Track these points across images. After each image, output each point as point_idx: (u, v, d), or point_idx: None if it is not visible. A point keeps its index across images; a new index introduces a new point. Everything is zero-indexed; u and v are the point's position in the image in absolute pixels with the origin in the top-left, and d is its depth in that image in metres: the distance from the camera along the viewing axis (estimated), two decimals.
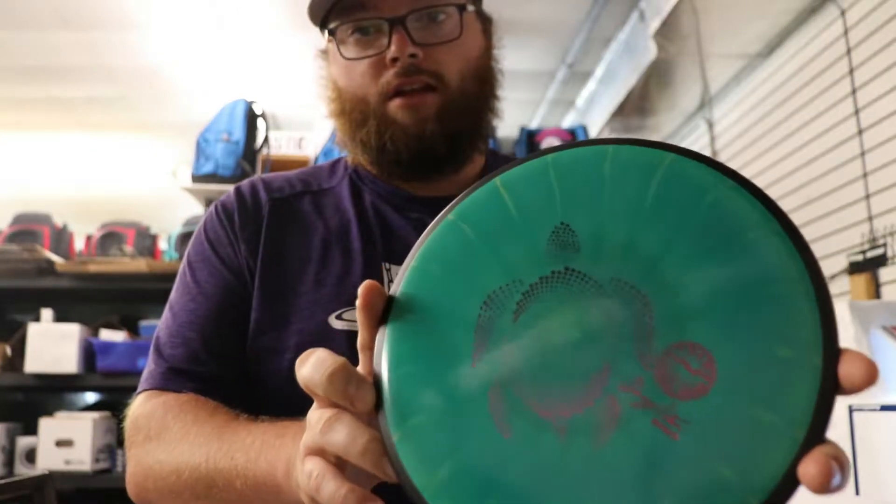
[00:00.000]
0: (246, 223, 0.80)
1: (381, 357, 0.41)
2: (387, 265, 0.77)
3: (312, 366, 0.42)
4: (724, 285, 0.37)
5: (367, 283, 0.42)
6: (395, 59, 0.75)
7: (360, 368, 0.43)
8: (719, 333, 0.36)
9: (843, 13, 2.12)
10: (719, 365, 0.35)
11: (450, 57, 0.77)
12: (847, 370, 0.34)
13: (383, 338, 0.41)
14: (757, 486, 0.33)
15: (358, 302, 0.42)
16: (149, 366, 0.77)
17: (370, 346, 0.42)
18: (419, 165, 0.78)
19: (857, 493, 1.31)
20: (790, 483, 0.33)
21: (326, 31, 0.80)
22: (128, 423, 0.73)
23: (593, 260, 0.39)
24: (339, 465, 0.42)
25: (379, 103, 0.77)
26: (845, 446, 1.35)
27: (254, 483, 0.58)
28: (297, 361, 0.45)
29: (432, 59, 0.76)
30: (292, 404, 0.57)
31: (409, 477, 0.38)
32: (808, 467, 0.33)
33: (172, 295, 0.81)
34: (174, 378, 0.74)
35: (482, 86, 0.81)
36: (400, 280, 0.43)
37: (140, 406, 0.73)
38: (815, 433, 0.34)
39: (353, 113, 0.79)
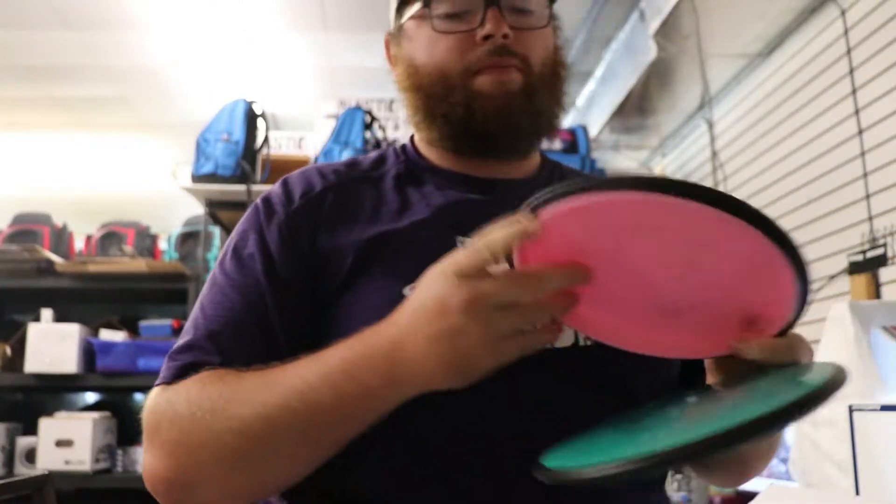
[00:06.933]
0: (294, 210, 0.79)
1: None
2: (460, 238, 0.76)
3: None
4: None
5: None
6: (487, 37, 0.79)
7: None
8: None
9: (843, 13, 2.11)
10: None
11: (536, 44, 0.82)
12: None
13: None
14: None
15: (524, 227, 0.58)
16: (168, 361, 0.74)
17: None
18: (502, 140, 0.81)
19: (858, 492, 1.31)
20: None
21: (418, 5, 0.82)
22: (146, 416, 0.71)
23: None
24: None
25: (463, 78, 0.80)
26: (845, 446, 1.35)
27: (353, 408, 0.63)
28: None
29: (521, 42, 0.80)
30: None
31: None
32: None
33: (204, 289, 0.79)
34: (190, 371, 0.71)
35: (556, 78, 0.85)
36: None
37: (155, 398, 0.71)
38: None
39: (434, 87, 0.81)
